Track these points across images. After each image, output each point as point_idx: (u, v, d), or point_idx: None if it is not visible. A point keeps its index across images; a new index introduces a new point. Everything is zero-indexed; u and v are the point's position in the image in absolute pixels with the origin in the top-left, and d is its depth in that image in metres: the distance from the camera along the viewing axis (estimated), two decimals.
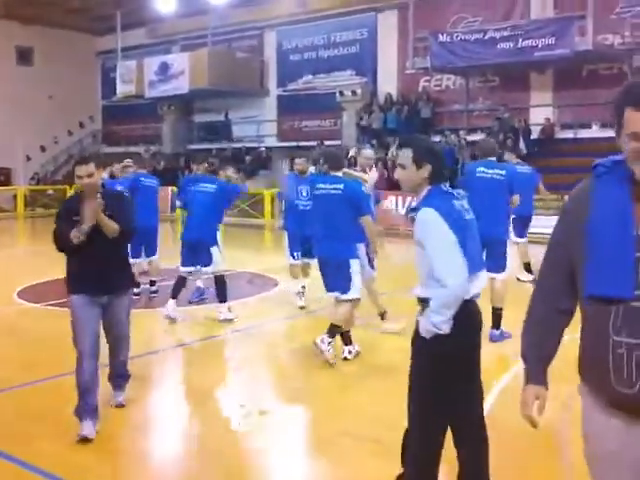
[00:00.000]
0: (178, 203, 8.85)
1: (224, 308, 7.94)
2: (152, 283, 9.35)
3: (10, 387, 5.66)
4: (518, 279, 10.04)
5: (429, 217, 3.12)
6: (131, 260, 8.23)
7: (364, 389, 5.73)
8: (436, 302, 3.07)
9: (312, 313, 8.50)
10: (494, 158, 7.19)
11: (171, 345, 7.41)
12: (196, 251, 7.93)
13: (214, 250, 7.94)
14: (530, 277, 9.92)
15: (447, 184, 3.30)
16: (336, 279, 6.17)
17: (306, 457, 4.62)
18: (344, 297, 6.16)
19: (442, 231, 3.08)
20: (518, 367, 5.91)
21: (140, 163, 9.91)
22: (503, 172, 6.96)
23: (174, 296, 7.87)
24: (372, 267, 7.16)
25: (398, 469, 3.57)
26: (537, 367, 2.32)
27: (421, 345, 3.19)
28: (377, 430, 4.74)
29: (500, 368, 6.01)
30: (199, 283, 9.00)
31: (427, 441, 3.26)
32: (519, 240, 10.32)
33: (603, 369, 2.03)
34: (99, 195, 4.48)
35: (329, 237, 6.17)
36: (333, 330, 6.13)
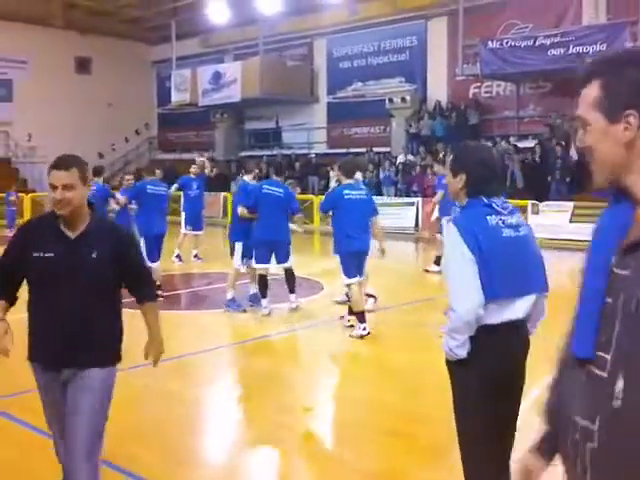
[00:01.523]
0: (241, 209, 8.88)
1: (293, 297, 8.84)
2: (158, 287, 9.30)
3: None
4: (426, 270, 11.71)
5: (449, 235, 2.96)
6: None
7: (399, 386, 5.86)
8: (449, 325, 2.91)
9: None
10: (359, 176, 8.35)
11: (222, 344, 7.68)
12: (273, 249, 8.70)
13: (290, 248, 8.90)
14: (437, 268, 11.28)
15: (492, 196, 3.03)
16: (360, 267, 7.64)
17: (344, 453, 4.79)
18: (360, 280, 7.58)
19: (458, 251, 2.87)
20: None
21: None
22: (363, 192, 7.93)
23: (264, 295, 8.65)
24: None
25: (431, 464, 3.71)
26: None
27: (448, 366, 3.04)
28: (411, 426, 4.88)
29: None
30: (252, 290, 9.29)
31: (469, 469, 3.04)
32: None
33: None
34: (86, 224, 3.10)
35: (366, 233, 7.58)
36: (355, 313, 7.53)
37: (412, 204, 19.38)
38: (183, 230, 13.37)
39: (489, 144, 17.83)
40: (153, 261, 9.35)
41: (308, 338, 8.00)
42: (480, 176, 3.03)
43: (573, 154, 18.00)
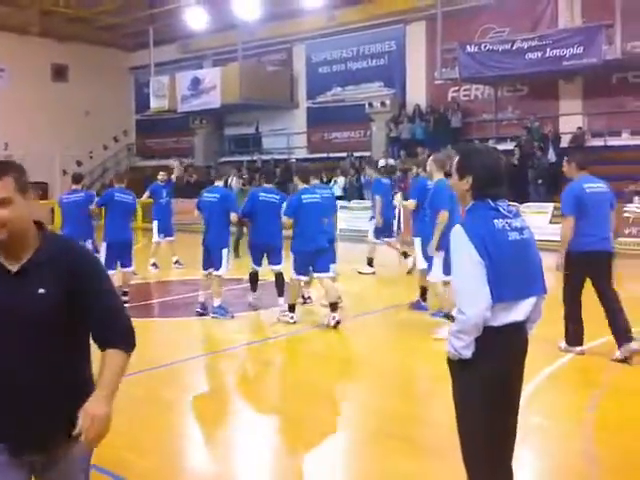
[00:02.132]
0: (233, 215, 8.97)
1: (282, 300, 8.97)
2: (125, 294, 9.51)
3: None
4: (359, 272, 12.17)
5: (456, 236, 2.97)
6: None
7: (398, 391, 5.91)
8: (454, 326, 2.96)
9: (357, 317, 8.71)
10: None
11: (222, 348, 7.67)
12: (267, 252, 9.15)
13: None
14: (371, 270, 12.26)
15: (498, 199, 3.04)
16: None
17: (342, 457, 4.81)
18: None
19: (466, 253, 2.91)
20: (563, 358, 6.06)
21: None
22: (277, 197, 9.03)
23: (254, 289, 9.34)
24: None
25: (430, 466, 3.75)
26: None
27: (450, 367, 3.07)
28: (409, 429, 4.92)
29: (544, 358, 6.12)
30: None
31: (471, 470, 3.05)
32: (375, 240, 12.46)
33: None
34: (33, 251, 2.34)
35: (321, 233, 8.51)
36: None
37: (394, 207, 19.42)
38: (155, 239, 13.40)
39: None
40: (124, 267, 9.74)
41: (300, 342, 8.01)
42: (486, 179, 3.05)
43: (551, 156, 18.25)
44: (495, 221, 2.98)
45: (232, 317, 8.82)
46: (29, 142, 27.01)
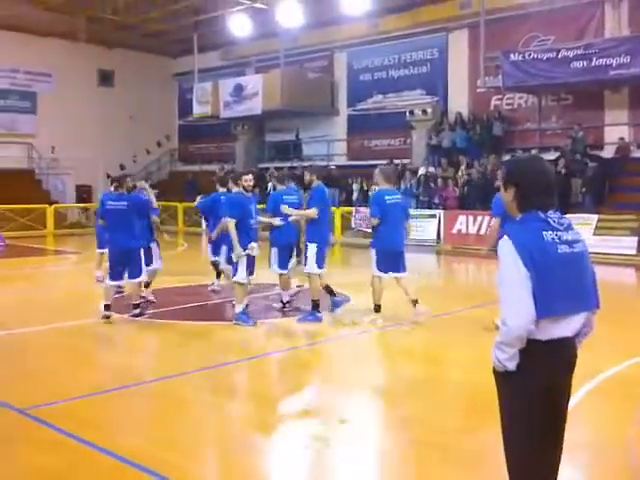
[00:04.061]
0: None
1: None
2: (136, 306, 9.11)
3: (105, 390, 6.08)
4: None
5: (502, 248, 2.91)
6: (110, 282, 8.89)
7: (432, 397, 5.89)
8: (499, 338, 2.91)
9: (383, 329, 8.70)
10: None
11: (251, 356, 7.72)
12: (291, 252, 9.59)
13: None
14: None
15: (548, 210, 2.98)
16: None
17: (376, 465, 4.81)
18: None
19: (512, 265, 2.85)
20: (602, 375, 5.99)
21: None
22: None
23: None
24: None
25: (466, 473, 3.73)
26: None
27: (496, 378, 3.03)
28: (444, 438, 4.90)
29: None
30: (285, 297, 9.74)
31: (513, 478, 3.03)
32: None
33: None
34: None
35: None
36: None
37: (434, 216, 19.38)
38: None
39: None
40: (132, 278, 8.98)
41: (336, 350, 8.03)
42: (529, 189, 3.00)
43: (595, 167, 17.99)
44: (544, 233, 2.92)
45: (254, 324, 8.67)
46: (75, 145, 27.65)
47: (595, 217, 16.29)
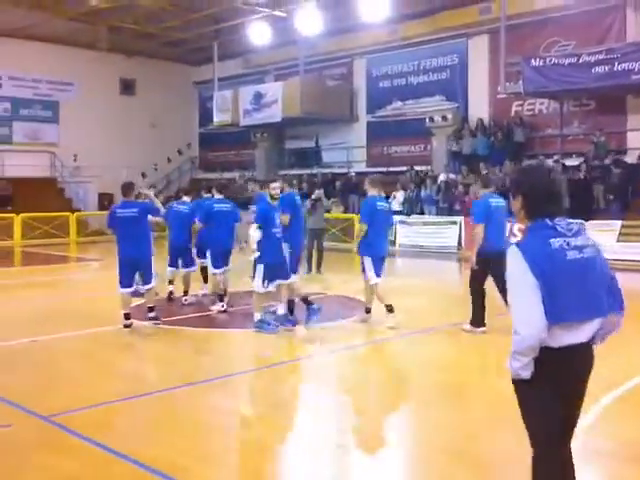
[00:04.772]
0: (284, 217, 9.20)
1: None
2: (151, 309, 9.19)
3: (126, 397, 6.09)
4: None
5: (510, 257, 2.98)
6: (121, 290, 8.95)
7: (454, 403, 5.83)
8: (512, 347, 2.96)
9: (403, 337, 8.65)
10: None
11: (264, 365, 7.71)
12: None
13: None
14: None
15: (556, 217, 3.04)
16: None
17: (403, 474, 4.77)
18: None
19: (520, 273, 2.91)
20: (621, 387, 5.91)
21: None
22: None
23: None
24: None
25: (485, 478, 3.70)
26: None
27: (514, 386, 3.10)
28: (473, 447, 4.85)
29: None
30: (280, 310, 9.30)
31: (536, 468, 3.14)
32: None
33: None
34: None
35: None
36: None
37: (454, 223, 19.28)
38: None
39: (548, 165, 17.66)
40: (145, 284, 9.17)
41: (354, 357, 7.99)
42: (537, 197, 3.06)
43: (619, 172, 17.79)
44: (552, 240, 2.96)
45: (276, 331, 8.61)
46: (97, 154, 27.92)
47: (619, 223, 16.10)
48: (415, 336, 8.72)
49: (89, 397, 6.01)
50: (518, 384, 3.04)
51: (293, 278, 8.95)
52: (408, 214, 20.51)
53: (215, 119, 28.22)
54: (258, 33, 25.36)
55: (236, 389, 6.57)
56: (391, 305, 8.83)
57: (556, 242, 2.95)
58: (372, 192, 9.17)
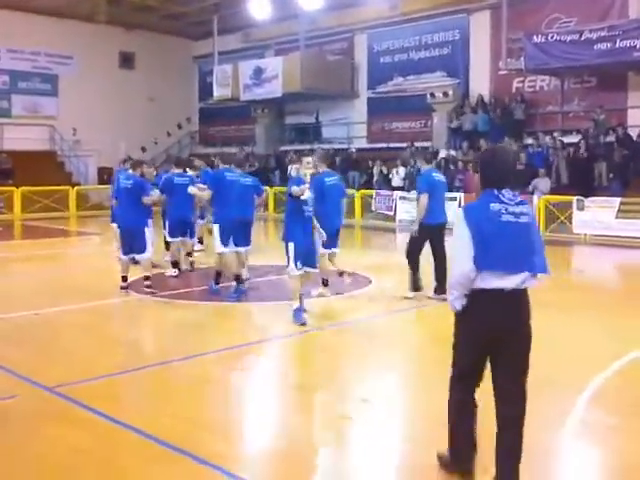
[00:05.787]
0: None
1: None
2: (146, 278, 9.50)
3: (131, 369, 6.18)
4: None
5: (456, 215, 3.75)
6: (122, 257, 9.63)
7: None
8: (448, 283, 3.91)
9: (406, 310, 8.74)
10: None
11: (270, 337, 7.79)
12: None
13: None
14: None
15: (503, 189, 3.65)
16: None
17: (402, 444, 4.86)
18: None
19: (460, 229, 3.64)
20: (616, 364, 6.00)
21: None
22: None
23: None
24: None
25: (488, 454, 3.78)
26: None
27: (454, 318, 3.84)
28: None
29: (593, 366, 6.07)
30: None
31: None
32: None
33: None
34: None
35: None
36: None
37: (454, 199, 19.27)
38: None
39: (511, 146, 17.60)
40: (138, 253, 9.50)
41: (361, 331, 8.06)
42: (489, 174, 3.74)
43: (618, 149, 17.78)
44: (492, 205, 3.61)
45: (302, 324, 7.93)
46: (96, 128, 27.82)
47: (617, 200, 16.14)
48: (420, 309, 8.81)
49: (92, 369, 6.10)
50: (455, 317, 3.79)
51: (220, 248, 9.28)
52: (408, 190, 20.52)
53: (215, 94, 28.08)
54: (259, 7, 25.15)
55: (242, 360, 6.63)
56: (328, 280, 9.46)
57: (495, 206, 3.60)
58: (322, 168, 9.44)
